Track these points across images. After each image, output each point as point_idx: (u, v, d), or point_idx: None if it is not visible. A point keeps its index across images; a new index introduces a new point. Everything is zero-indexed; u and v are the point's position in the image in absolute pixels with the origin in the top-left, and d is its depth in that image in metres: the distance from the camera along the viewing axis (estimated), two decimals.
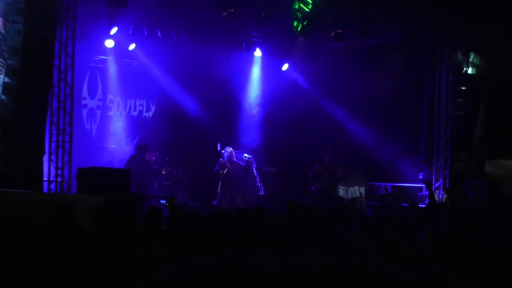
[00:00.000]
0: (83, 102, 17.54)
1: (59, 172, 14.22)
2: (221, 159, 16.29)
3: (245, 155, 16.83)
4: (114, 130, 17.91)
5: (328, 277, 2.42)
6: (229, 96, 19.31)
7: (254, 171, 16.64)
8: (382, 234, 7.43)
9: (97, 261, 5.91)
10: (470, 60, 18.85)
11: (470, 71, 18.87)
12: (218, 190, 16.28)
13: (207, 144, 17.82)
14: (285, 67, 19.79)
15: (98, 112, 17.91)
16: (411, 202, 12.76)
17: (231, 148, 16.52)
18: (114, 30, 16.32)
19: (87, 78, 17.59)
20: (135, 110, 18.68)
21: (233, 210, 9.91)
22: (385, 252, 5.87)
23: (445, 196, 17.98)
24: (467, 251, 5.46)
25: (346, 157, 18.37)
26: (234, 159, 16.55)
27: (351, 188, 17.58)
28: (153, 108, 19.00)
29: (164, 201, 14.45)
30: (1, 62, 12.90)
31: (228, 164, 16.29)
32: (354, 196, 17.26)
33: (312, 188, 16.63)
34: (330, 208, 11.36)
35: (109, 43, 16.77)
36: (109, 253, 6.22)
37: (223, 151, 16.41)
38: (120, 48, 17.25)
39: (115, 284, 5.68)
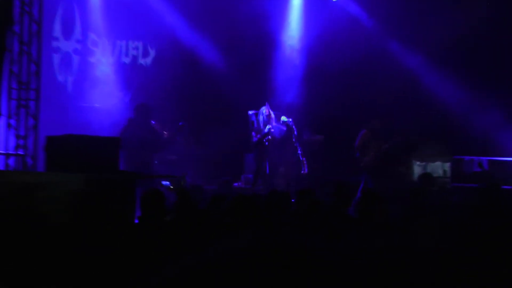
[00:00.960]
0: (55, 44, 17.42)
1: (21, 142, 14.13)
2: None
3: (283, 118, 16.68)
4: (98, 83, 17.83)
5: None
6: (259, 38, 19.18)
7: (294, 140, 16.49)
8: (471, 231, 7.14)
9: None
10: None
11: None
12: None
13: (229, 104, 18.31)
14: None
15: (76, 58, 17.80)
16: None
17: (267, 109, 16.42)
18: None
19: (60, 11, 17.45)
20: (127, 55, 18.69)
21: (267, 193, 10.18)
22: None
23: None
24: None
25: (423, 122, 18.16)
26: (274, 123, 16.47)
27: (431, 164, 17.37)
28: (152, 53, 19.00)
29: (168, 183, 14.31)
30: None
31: (270, 131, 16.25)
32: (435, 175, 17.01)
33: (361, 162, 16.47)
34: (394, 191, 11.63)
35: None
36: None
37: (251, 112, 16.50)
38: None
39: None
